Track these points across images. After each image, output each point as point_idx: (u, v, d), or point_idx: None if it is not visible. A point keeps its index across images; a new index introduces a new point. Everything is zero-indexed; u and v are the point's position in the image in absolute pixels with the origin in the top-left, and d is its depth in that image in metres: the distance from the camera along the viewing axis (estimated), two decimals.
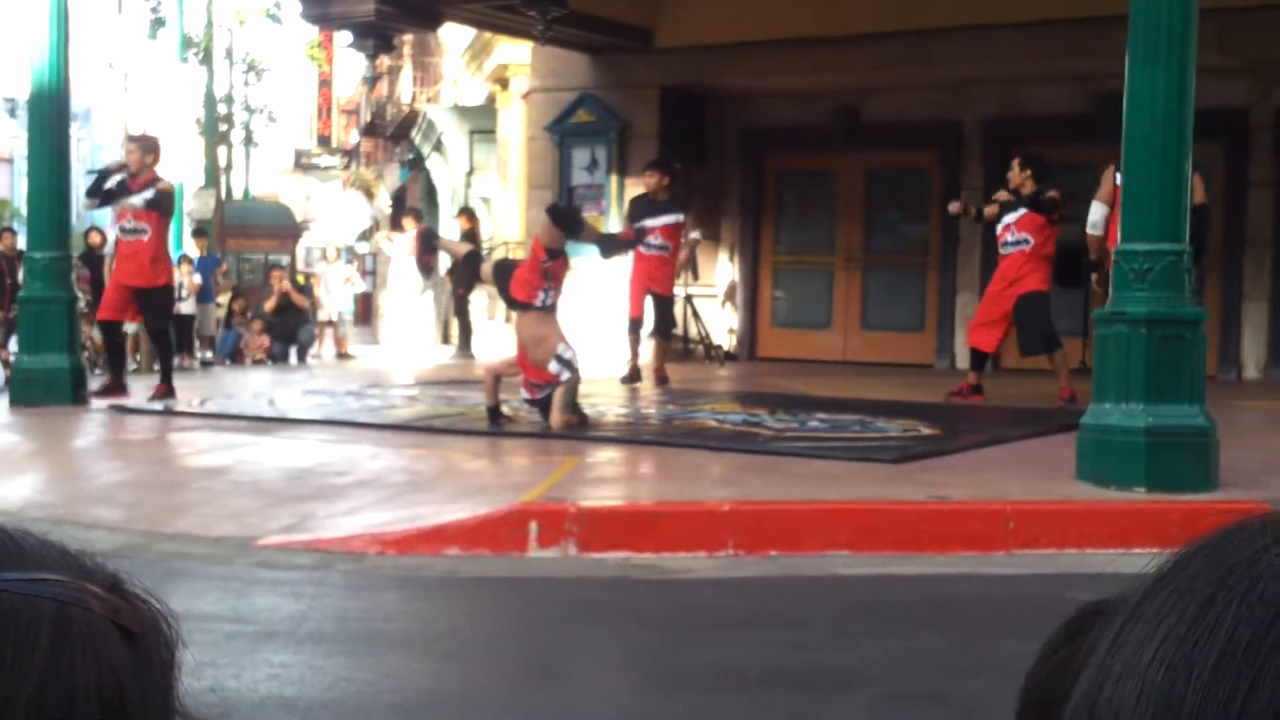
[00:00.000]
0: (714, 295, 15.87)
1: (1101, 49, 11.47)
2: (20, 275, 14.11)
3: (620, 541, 5.79)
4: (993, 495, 6.31)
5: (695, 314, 14.91)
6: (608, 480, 6.90)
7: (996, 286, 10.50)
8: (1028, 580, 5.49)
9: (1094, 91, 12.92)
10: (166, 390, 10.65)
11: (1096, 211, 9.74)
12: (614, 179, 15.21)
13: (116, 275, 10.93)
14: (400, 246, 18.23)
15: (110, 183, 10.70)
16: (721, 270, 16.05)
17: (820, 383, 12.49)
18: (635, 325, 12.04)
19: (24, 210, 13.15)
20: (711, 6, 14.16)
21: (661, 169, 12.00)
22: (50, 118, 10.66)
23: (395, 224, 22.48)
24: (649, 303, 12.05)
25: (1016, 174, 10.37)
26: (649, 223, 11.65)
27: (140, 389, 12.27)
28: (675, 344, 15.19)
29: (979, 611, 5.14)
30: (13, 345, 14.71)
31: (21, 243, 16.36)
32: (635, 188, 14.13)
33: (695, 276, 15.02)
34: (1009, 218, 10.30)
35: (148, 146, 10.89)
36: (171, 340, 11.50)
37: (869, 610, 5.16)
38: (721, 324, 15.93)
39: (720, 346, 15.38)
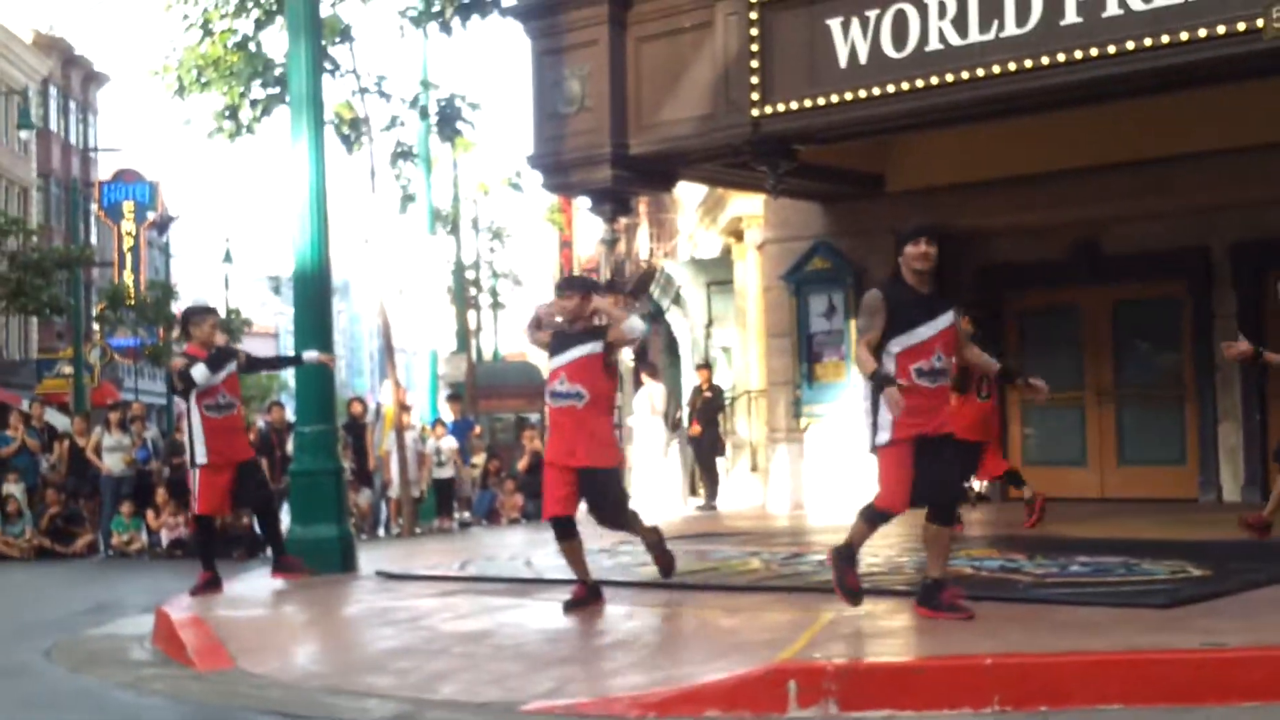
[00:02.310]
0: None
1: None
2: (289, 446, 14.91)
3: (882, 699, 5.70)
4: (1274, 640, 5.99)
5: None
6: (864, 634, 6.81)
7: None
8: None
9: None
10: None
11: None
12: (852, 324, 15.25)
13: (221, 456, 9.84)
14: (643, 402, 18.55)
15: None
16: None
17: (1079, 523, 12.11)
18: None
19: (290, 383, 13.83)
20: (942, 148, 14.20)
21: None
22: (313, 295, 11.22)
23: (636, 378, 22.91)
24: None
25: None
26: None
27: (400, 554, 12.71)
28: None
29: None
30: (284, 514, 15.48)
31: (289, 414, 17.33)
32: None
33: None
34: None
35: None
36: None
37: None
38: None
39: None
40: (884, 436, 6.79)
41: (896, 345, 6.74)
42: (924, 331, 6.71)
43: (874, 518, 7.06)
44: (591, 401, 7.80)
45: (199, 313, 10.43)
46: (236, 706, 6.41)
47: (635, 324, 7.93)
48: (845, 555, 7.16)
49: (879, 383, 6.70)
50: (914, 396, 6.69)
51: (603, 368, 7.83)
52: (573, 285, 8.05)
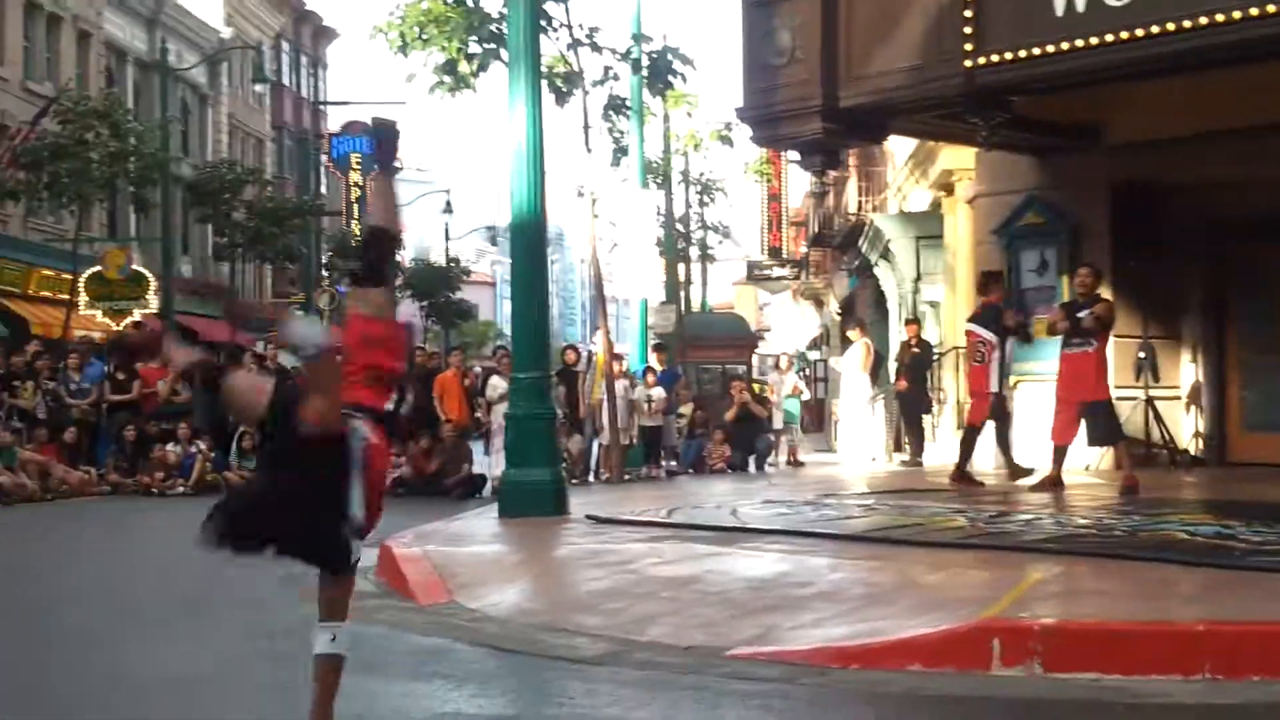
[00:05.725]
0: (1177, 397, 15.20)
1: None
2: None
3: (1088, 662, 5.67)
4: None
5: (1157, 417, 14.32)
6: (1072, 595, 6.77)
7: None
8: None
9: None
10: None
11: None
12: (1065, 280, 14.91)
13: None
14: (851, 357, 18.51)
15: None
16: (1184, 371, 15.36)
17: None
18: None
19: (507, 330, 14.23)
20: (1164, 98, 13.71)
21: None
22: (529, 245, 11.51)
23: (843, 334, 22.84)
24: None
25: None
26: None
27: (609, 500, 13.00)
28: (1136, 448, 14.61)
29: None
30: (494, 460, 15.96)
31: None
32: None
33: (1155, 378, 14.46)
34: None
35: None
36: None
37: None
38: (1186, 427, 15.20)
39: (1185, 451, 14.68)
40: None
41: None
42: None
43: None
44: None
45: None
46: (453, 639, 6.72)
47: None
48: None
49: None
50: None
51: None
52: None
